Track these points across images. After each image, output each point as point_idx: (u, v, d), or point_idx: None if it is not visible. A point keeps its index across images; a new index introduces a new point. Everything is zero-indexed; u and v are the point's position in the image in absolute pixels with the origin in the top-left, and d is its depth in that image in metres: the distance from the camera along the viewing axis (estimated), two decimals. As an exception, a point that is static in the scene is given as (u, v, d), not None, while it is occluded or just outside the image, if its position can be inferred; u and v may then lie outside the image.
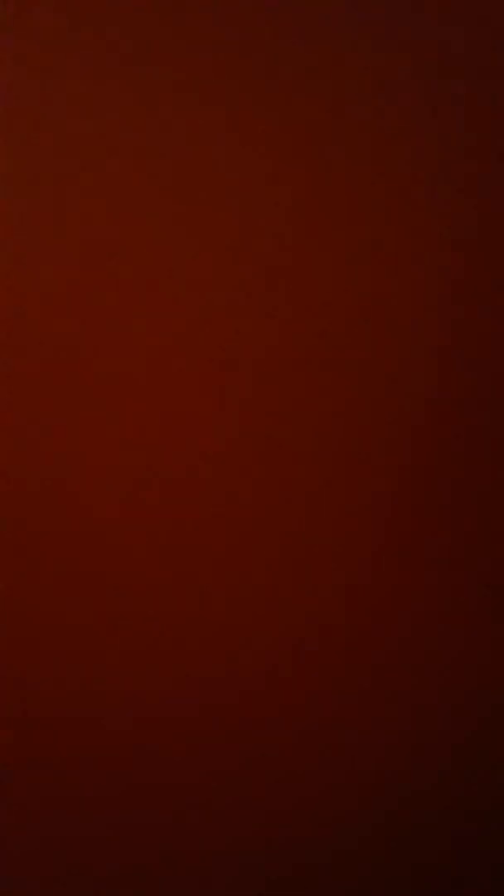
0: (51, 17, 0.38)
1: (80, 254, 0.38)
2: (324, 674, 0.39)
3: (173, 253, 0.39)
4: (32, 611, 0.39)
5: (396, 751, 0.40)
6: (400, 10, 0.40)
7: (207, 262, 0.39)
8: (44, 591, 0.38)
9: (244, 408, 0.39)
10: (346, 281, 0.39)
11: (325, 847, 0.40)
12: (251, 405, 0.39)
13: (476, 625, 0.40)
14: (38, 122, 0.39)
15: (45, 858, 0.39)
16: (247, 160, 0.39)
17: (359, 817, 0.40)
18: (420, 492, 0.40)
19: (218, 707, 0.39)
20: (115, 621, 0.39)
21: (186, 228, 0.39)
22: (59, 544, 0.38)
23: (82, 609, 0.39)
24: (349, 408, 0.39)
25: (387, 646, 0.40)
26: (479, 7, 0.40)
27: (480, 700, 0.40)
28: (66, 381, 0.38)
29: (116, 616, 0.39)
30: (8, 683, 0.38)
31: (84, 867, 0.39)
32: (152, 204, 0.39)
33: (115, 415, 0.38)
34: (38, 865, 0.39)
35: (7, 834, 0.39)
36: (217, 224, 0.39)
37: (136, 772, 0.39)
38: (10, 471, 0.38)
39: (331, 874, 0.40)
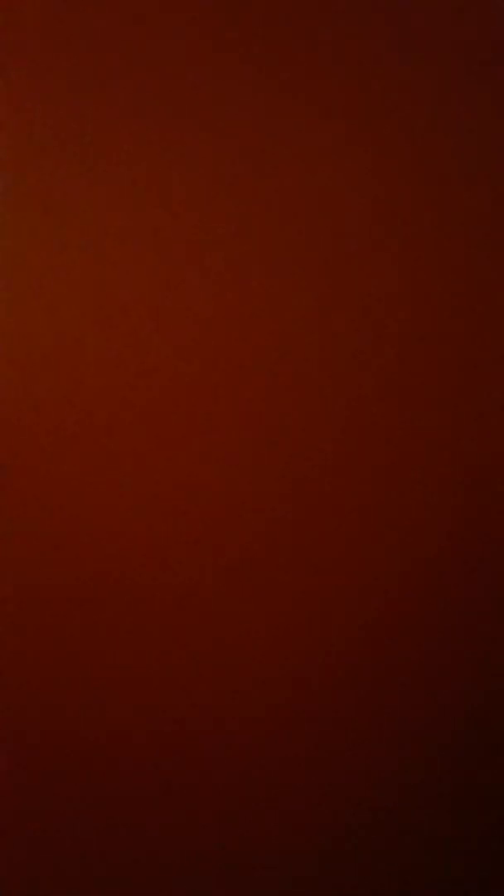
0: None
1: (84, 255, 0.38)
2: (327, 688, 0.39)
3: (174, 263, 0.39)
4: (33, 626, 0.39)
5: (399, 768, 0.40)
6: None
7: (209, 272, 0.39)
8: (46, 602, 0.38)
9: (249, 421, 0.39)
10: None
11: (325, 864, 0.40)
12: (256, 417, 0.39)
13: (481, 642, 0.40)
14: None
15: (40, 874, 0.39)
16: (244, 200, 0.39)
17: (358, 835, 0.40)
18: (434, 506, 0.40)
19: (218, 719, 0.39)
20: (116, 635, 0.39)
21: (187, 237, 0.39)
22: (61, 557, 0.38)
23: (84, 620, 0.39)
24: (360, 422, 0.39)
25: (394, 657, 0.40)
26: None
27: (485, 722, 0.40)
28: (67, 391, 0.38)
29: (118, 630, 0.39)
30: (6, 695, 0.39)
31: (82, 883, 0.39)
32: (152, 215, 0.39)
33: (117, 426, 0.39)
34: (32, 881, 0.39)
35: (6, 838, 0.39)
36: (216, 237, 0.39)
37: (133, 786, 0.39)
38: (10, 474, 0.38)
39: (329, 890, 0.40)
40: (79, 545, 0.38)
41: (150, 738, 0.39)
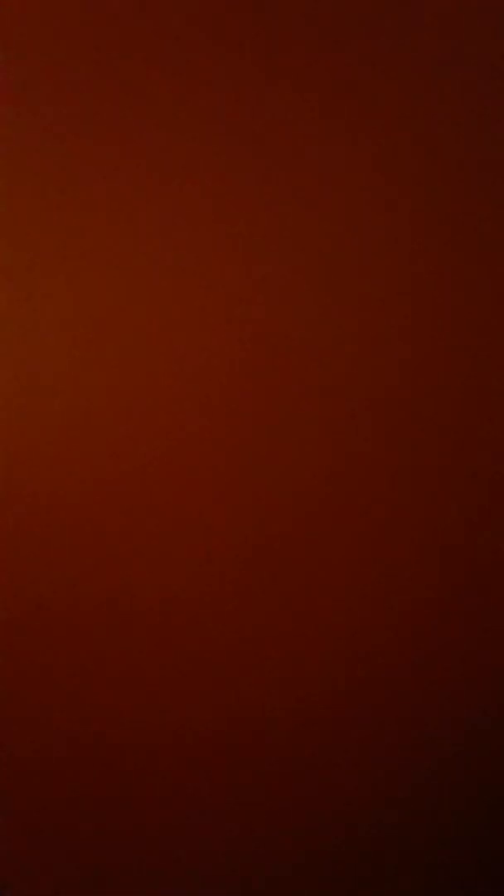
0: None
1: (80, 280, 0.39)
2: (328, 692, 0.40)
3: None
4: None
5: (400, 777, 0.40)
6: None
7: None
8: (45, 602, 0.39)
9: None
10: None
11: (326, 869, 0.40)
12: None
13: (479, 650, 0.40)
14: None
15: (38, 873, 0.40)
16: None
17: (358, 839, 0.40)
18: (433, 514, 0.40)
19: (218, 729, 0.39)
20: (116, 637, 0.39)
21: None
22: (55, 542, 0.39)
23: (83, 616, 0.39)
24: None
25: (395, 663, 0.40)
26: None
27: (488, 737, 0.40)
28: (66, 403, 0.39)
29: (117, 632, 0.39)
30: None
31: (79, 882, 0.40)
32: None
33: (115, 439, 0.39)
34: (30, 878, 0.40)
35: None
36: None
37: (134, 793, 0.40)
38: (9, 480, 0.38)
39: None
40: (78, 564, 0.39)
41: (149, 744, 0.39)
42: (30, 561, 0.39)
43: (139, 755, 0.39)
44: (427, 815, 0.40)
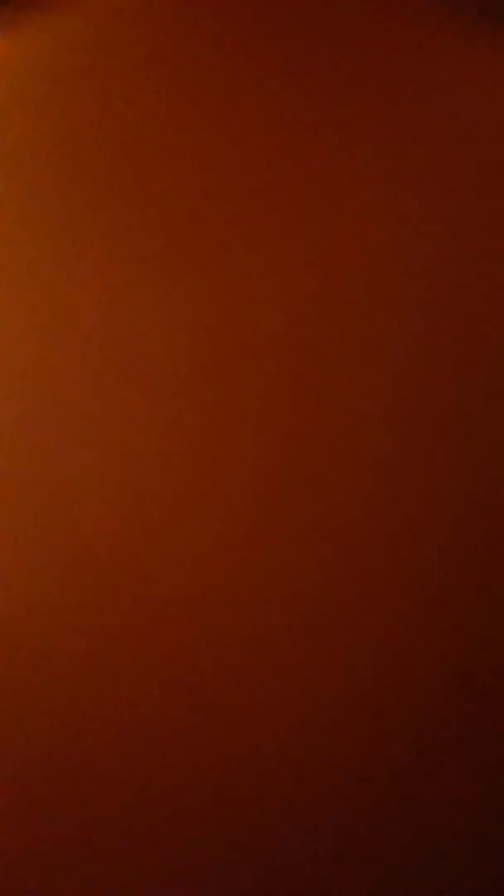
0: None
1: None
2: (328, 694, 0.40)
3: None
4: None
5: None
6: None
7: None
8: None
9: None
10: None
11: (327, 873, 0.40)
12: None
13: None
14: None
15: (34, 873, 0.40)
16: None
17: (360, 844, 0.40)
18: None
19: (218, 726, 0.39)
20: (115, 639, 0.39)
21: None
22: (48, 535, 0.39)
23: (84, 612, 0.39)
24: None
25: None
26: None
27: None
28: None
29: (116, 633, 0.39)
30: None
31: (77, 882, 0.40)
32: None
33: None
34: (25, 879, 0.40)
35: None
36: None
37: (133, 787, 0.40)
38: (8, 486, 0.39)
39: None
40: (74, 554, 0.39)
41: (145, 749, 0.39)
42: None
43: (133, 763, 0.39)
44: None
